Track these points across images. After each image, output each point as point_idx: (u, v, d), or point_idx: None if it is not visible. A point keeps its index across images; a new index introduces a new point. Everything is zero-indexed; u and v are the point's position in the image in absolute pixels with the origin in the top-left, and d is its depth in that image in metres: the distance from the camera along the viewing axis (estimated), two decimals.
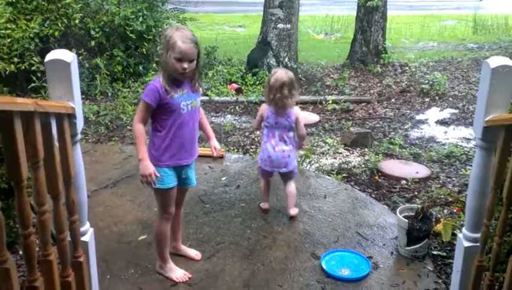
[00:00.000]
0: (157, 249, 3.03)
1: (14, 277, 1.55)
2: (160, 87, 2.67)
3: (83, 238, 2.42)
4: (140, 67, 7.93)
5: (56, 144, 1.97)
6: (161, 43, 2.76)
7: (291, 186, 3.72)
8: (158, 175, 2.73)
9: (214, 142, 3.06)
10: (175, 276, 2.98)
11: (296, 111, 3.59)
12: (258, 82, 7.89)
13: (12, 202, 2.47)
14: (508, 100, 2.24)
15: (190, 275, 3.01)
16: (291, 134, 3.60)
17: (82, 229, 2.41)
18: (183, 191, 3.08)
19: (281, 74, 3.54)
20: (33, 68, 6.54)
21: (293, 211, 3.73)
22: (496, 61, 2.20)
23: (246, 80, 8.00)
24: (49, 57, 2.16)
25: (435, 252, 3.31)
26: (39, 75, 6.54)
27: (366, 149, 5.46)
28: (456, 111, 7.04)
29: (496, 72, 2.18)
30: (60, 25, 6.92)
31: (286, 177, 3.73)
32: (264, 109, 3.62)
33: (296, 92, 3.57)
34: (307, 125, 6.31)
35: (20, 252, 2.87)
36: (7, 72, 6.31)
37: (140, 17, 7.69)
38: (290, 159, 3.62)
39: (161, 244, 3.00)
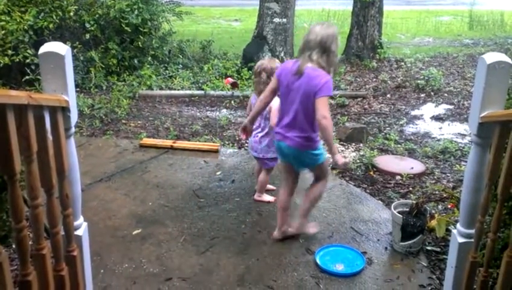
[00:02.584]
0: (309, 210, 3.40)
1: (7, 270, 1.54)
2: None
3: (77, 232, 2.41)
4: (136, 61, 7.89)
5: (50, 137, 1.96)
6: (332, 42, 2.99)
7: (261, 176, 3.92)
8: None
9: None
10: (312, 230, 3.42)
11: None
12: (253, 77, 7.87)
13: (5, 195, 2.45)
14: (503, 96, 2.24)
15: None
16: (267, 123, 3.72)
17: (76, 223, 2.39)
18: None
19: (264, 60, 3.81)
20: (27, 61, 6.51)
21: (257, 195, 3.94)
22: (491, 57, 2.20)
23: (242, 74, 7.98)
24: (43, 49, 2.14)
25: (429, 248, 3.32)
26: (33, 67, 6.50)
27: (361, 144, 5.46)
28: (451, 107, 7.04)
29: (491, 68, 2.18)
30: (54, 17, 6.88)
31: (260, 164, 3.94)
32: (251, 96, 3.85)
33: None
34: None
35: (13, 246, 2.85)
36: (1, 65, 6.27)
37: (136, 10, 7.64)
38: (261, 146, 3.80)
39: (315, 205, 3.45)
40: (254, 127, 3.83)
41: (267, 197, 3.91)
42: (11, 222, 1.74)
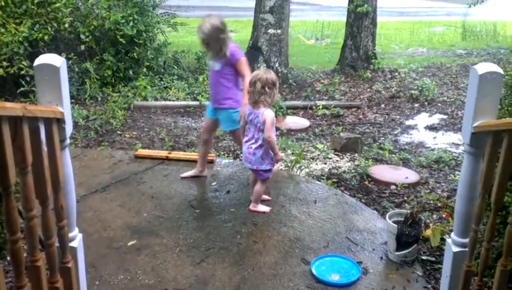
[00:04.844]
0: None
1: (2, 283, 1.53)
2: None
3: (72, 244, 2.40)
4: (131, 72, 7.90)
5: (45, 148, 1.96)
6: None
7: (257, 187, 3.91)
8: None
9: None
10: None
11: (265, 113, 3.68)
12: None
13: (0, 207, 2.45)
14: (495, 106, 2.26)
15: None
16: (261, 135, 3.72)
17: (71, 234, 2.39)
18: None
19: (260, 71, 3.80)
20: (22, 72, 6.51)
21: (252, 206, 3.93)
22: (483, 67, 2.22)
23: None
24: (38, 61, 2.16)
25: (424, 257, 3.32)
26: (28, 79, 6.50)
27: (356, 154, 5.48)
28: (445, 117, 7.09)
29: (483, 79, 2.20)
30: (49, 29, 6.89)
31: (255, 175, 3.93)
32: (245, 107, 3.85)
33: (272, 92, 3.71)
34: (297, 130, 6.35)
35: (8, 258, 2.84)
36: None
37: (131, 22, 7.67)
38: (255, 157, 3.78)
39: None
40: (247, 138, 3.84)
41: (262, 208, 3.91)
42: (5, 234, 1.74)
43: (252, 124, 3.75)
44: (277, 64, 8.43)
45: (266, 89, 3.65)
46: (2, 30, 6.52)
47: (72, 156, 2.56)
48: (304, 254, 3.33)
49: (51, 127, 2.04)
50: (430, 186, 4.64)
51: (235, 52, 4.05)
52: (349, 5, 9.39)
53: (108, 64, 7.58)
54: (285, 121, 6.68)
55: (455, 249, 2.45)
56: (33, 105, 2.04)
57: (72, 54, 7.14)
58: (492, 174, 2.15)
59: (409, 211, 3.35)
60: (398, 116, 7.10)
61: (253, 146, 3.77)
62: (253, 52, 8.51)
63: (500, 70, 2.22)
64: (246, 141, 3.84)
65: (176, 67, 8.73)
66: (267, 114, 3.66)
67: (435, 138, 6.22)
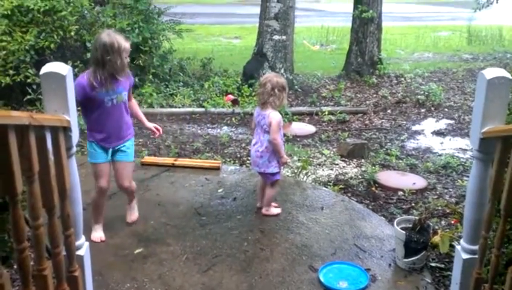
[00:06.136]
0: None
1: None
2: None
3: (78, 252, 2.40)
4: (137, 79, 7.90)
5: (51, 157, 1.96)
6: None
7: (267, 191, 3.90)
8: None
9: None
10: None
11: (271, 115, 3.68)
12: (254, 93, 7.88)
13: (7, 216, 2.45)
14: (504, 111, 2.25)
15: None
16: (266, 137, 3.72)
17: (77, 243, 2.39)
18: None
19: (271, 74, 3.88)
20: (28, 80, 6.53)
21: (265, 210, 3.93)
22: (491, 72, 2.21)
23: (242, 91, 8.01)
24: (44, 69, 2.16)
25: (433, 264, 3.29)
26: (35, 87, 6.53)
27: (363, 160, 5.46)
28: (451, 122, 7.06)
29: (491, 84, 2.19)
30: (55, 37, 6.92)
31: (264, 179, 3.93)
32: (255, 110, 3.88)
33: (281, 95, 3.71)
34: (303, 136, 6.34)
35: (15, 267, 2.83)
36: (2, 85, 6.29)
37: (136, 29, 7.70)
38: (262, 160, 3.78)
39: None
40: (254, 141, 3.84)
41: (274, 210, 3.91)
42: (12, 243, 1.73)
43: (259, 126, 3.76)
44: (282, 71, 8.43)
45: (276, 90, 3.66)
46: (9, 39, 6.56)
47: (79, 163, 2.56)
48: (312, 261, 3.31)
49: (57, 136, 2.04)
50: (438, 192, 4.61)
51: (130, 73, 3.56)
52: (354, 10, 9.40)
53: None
54: (291, 127, 6.67)
55: (465, 256, 2.43)
56: (39, 113, 2.05)
57: (78, 62, 7.14)
58: (502, 180, 2.12)
59: (417, 218, 3.33)
60: (404, 122, 7.07)
61: (260, 149, 3.77)
62: (259, 59, 8.52)
63: (508, 75, 2.21)
64: (254, 144, 3.84)
65: (181, 74, 8.75)
66: (273, 116, 3.66)
67: (442, 143, 6.19)
